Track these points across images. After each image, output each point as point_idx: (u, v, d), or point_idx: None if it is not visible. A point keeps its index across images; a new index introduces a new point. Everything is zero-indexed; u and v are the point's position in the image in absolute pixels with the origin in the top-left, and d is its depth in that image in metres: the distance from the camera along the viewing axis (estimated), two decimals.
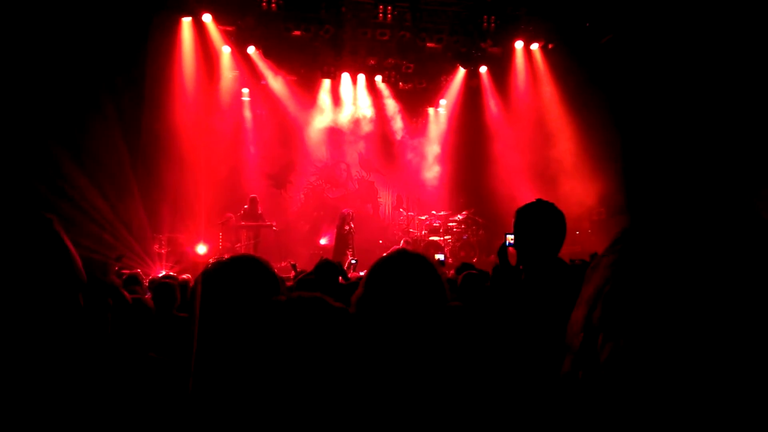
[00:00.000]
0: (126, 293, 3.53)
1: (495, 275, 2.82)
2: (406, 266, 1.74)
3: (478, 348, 2.22)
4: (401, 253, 1.83)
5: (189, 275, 9.51)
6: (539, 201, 2.57)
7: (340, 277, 5.37)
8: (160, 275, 8.56)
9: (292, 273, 6.92)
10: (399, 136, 15.10)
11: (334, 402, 1.17)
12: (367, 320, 1.65)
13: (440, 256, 10.81)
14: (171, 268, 10.48)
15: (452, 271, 6.88)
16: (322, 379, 1.17)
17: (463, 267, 5.54)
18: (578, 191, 11.49)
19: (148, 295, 4.59)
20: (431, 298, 1.70)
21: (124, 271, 7.52)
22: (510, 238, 2.90)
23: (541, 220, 2.49)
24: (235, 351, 1.23)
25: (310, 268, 6.90)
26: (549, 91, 12.68)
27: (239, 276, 1.64)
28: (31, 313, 1.28)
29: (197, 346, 1.49)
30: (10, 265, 1.27)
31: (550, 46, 12.46)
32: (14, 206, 1.32)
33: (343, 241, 11.93)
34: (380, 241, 13.48)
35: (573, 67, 11.98)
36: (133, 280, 6.08)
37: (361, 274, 7.40)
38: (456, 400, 1.59)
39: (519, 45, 12.53)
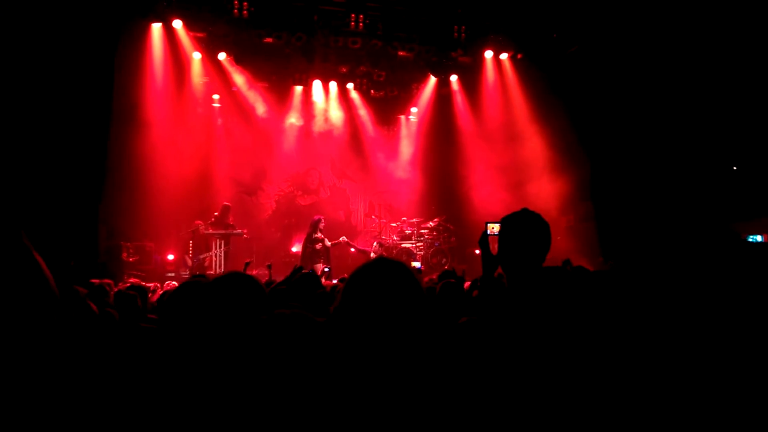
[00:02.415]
0: (93, 305, 3.48)
1: (482, 284, 2.77)
2: (385, 274, 1.68)
3: (467, 359, 2.22)
4: (379, 262, 1.76)
5: (157, 283, 9.38)
6: (525, 210, 2.54)
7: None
8: (128, 285, 8.41)
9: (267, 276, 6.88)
10: (371, 143, 15.16)
11: (318, 417, 1.17)
12: (345, 331, 1.58)
13: (417, 264, 10.88)
14: (138, 277, 10.30)
15: (426, 279, 6.94)
16: (308, 395, 1.17)
17: (445, 275, 5.56)
18: (547, 198, 11.72)
19: None
20: (410, 306, 1.65)
21: (93, 281, 7.36)
22: (491, 227, 2.83)
23: (526, 230, 2.46)
24: (218, 369, 1.22)
25: (281, 275, 6.87)
26: (518, 99, 12.91)
27: (222, 295, 1.61)
28: (6, 327, 1.27)
29: (173, 362, 1.46)
30: None
31: (519, 56, 12.70)
32: None
33: (310, 248, 11.85)
34: (351, 250, 13.46)
35: (541, 76, 12.24)
36: (101, 291, 5.95)
37: (335, 282, 7.41)
38: (443, 411, 1.56)
39: (489, 55, 12.74)
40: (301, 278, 4.23)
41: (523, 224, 2.48)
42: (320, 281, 5.58)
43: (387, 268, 1.70)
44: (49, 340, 1.40)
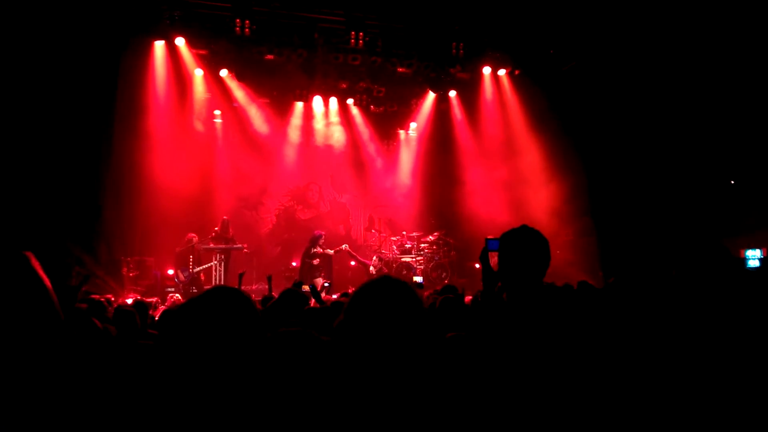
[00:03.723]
0: (96, 321, 3.52)
1: (482, 299, 2.78)
2: (389, 294, 1.68)
3: (468, 378, 2.21)
4: (383, 281, 1.75)
5: (158, 298, 9.40)
6: (524, 227, 2.57)
7: (313, 300, 5.41)
8: (128, 301, 8.44)
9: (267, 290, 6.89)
10: (370, 158, 15.25)
11: None
12: (347, 347, 1.59)
13: (418, 279, 10.89)
14: (139, 292, 10.32)
15: (427, 293, 6.96)
16: (309, 412, 1.16)
17: (446, 290, 5.56)
18: (546, 212, 11.76)
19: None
20: (413, 327, 1.65)
21: (93, 296, 7.39)
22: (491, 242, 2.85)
23: (526, 246, 2.48)
24: (219, 388, 1.21)
25: (282, 289, 6.90)
26: (516, 115, 13.02)
27: (217, 312, 1.55)
28: (11, 349, 1.29)
29: (171, 380, 1.44)
30: None
31: (516, 72, 12.83)
32: None
33: (308, 262, 11.86)
34: (352, 263, 13.47)
35: (538, 92, 12.36)
36: (100, 307, 5.95)
37: (334, 297, 7.43)
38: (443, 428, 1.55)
39: (487, 71, 12.87)
40: (286, 296, 4.23)
41: (523, 240, 2.51)
42: (315, 292, 5.62)
43: (391, 288, 1.70)
44: (52, 360, 1.42)
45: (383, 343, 1.58)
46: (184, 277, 11.31)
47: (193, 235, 11.67)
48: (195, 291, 10.64)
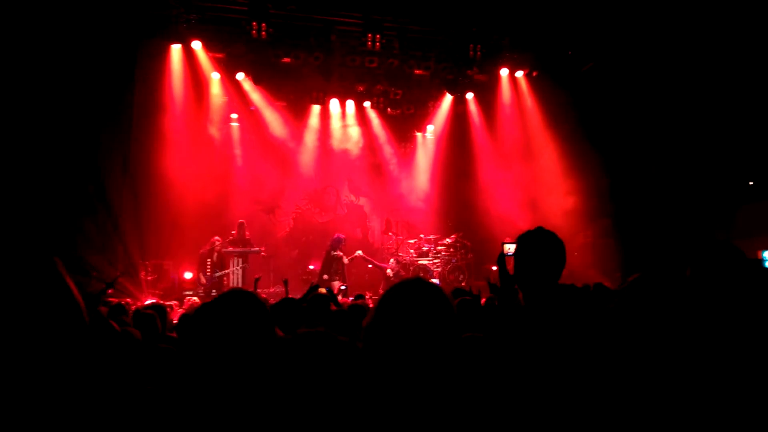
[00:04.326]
0: (115, 324, 3.51)
1: (500, 302, 2.81)
2: (421, 296, 1.67)
3: (492, 379, 2.20)
4: (416, 282, 1.74)
5: (177, 302, 9.44)
6: (540, 229, 2.60)
7: (332, 304, 5.37)
8: (147, 303, 8.48)
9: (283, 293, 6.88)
10: (387, 160, 15.23)
11: None
12: (376, 350, 1.56)
13: (435, 281, 10.84)
14: (157, 296, 10.39)
15: None
16: (331, 418, 1.15)
17: (457, 292, 5.52)
18: (564, 214, 11.63)
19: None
20: (444, 329, 1.64)
21: (111, 300, 7.44)
22: (507, 248, 2.90)
23: (541, 248, 2.51)
24: (237, 389, 1.22)
25: (299, 293, 6.88)
26: (534, 116, 12.90)
27: (228, 315, 1.58)
28: (36, 354, 1.29)
29: (190, 383, 1.45)
30: (17, 307, 1.28)
31: (534, 73, 12.71)
32: (19, 249, 1.34)
33: (330, 265, 11.89)
34: (369, 266, 13.43)
35: (556, 93, 12.23)
36: (120, 310, 5.99)
37: (351, 299, 7.40)
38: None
39: (504, 72, 12.78)
40: (314, 299, 4.24)
41: (538, 242, 2.54)
42: (332, 295, 5.59)
43: (423, 291, 1.68)
44: (77, 364, 1.42)
45: (414, 345, 1.56)
46: (206, 280, 11.35)
47: (217, 238, 11.72)
48: (215, 294, 10.69)
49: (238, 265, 11.66)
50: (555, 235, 2.55)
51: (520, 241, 2.57)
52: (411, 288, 1.69)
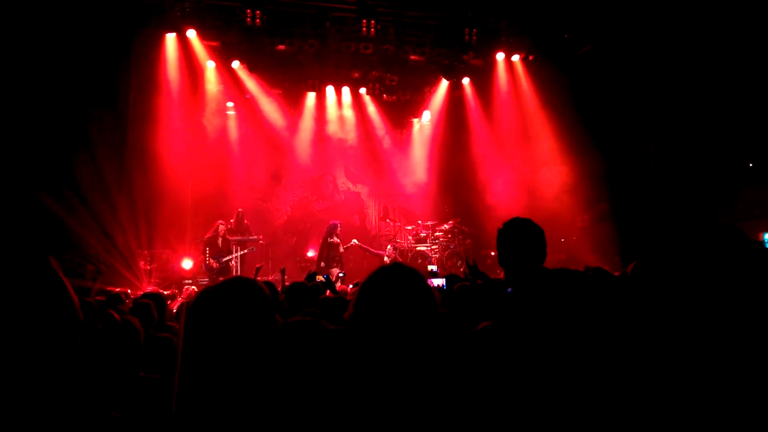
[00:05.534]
0: (115, 313, 3.54)
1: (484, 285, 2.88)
2: (397, 282, 1.65)
3: (478, 362, 2.23)
4: (391, 269, 1.73)
5: (175, 290, 9.48)
6: (516, 219, 2.68)
7: (329, 291, 5.41)
8: (146, 291, 8.52)
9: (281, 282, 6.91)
10: (384, 147, 15.20)
11: (331, 425, 1.16)
12: (358, 339, 1.56)
13: (433, 267, 10.88)
14: (156, 285, 10.42)
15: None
16: (321, 403, 1.16)
17: (451, 277, 5.55)
18: (562, 198, 11.65)
19: None
20: (423, 312, 1.62)
21: (110, 288, 7.48)
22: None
23: (520, 237, 2.60)
24: (231, 377, 1.22)
25: (298, 280, 6.92)
26: (530, 100, 12.87)
27: (230, 301, 1.56)
28: (30, 353, 1.29)
29: (187, 370, 1.45)
30: (9, 305, 1.28)
31: (530, 57, 12.65)
32: (12, 246, 1.34)
33: (326, 252, 11.89)
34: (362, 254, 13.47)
35: (553, 77, 12.19)
36: (117, 300, 6.00)
37: (350, 287, 7.44)
38: (457, 417, 1.54)
39: (500, 57, 12.71)
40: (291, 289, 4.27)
41: (517, 232, 2.63)
42: (329, 282, 5.63)
43: (399, 276, 1.68)
44: (75, 362, 1.42)
45: (393, 331, 1.56)
46: (217, 264, 11.33)
47: (221, 222, 11.67)
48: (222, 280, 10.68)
49: (237, 253, 11.66)
50: (532, 223, 2.64)
51: (500, 233, 2.67)
52: (385, 275, 1.69)
